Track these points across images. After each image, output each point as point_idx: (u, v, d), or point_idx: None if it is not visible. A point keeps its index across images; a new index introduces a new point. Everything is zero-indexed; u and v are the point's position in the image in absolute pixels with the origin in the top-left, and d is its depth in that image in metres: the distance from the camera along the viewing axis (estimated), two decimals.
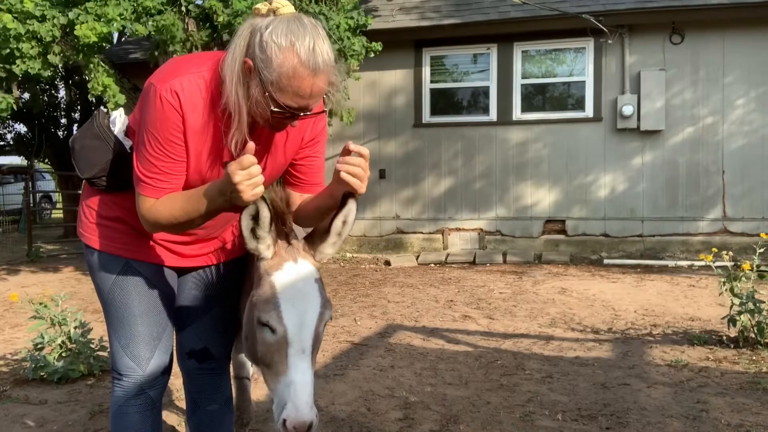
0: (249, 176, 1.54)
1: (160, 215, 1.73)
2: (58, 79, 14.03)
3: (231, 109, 1.66)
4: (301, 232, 1.88)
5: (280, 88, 1.60)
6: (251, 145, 1.57)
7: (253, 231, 1.64)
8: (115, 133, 1.91)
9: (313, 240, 1.74)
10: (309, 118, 1.75)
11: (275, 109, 1.63)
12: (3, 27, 6.09)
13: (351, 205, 1.68)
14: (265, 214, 1.62)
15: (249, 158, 1.54)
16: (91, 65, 6.79)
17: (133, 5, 6.38)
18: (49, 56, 6.48)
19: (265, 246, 1.66)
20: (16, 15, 6.20)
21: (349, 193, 1.67)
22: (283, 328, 1.56)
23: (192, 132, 1.70)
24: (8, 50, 6.24)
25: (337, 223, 1.70)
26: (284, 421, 1.49)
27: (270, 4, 1.65)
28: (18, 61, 6.29)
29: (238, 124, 1.67)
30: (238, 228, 2.07)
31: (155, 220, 1.74)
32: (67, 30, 6.42)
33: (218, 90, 1.68)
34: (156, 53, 7.14)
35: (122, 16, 6.28)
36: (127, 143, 1.89)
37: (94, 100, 13.94)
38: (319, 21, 1.68)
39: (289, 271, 1.64)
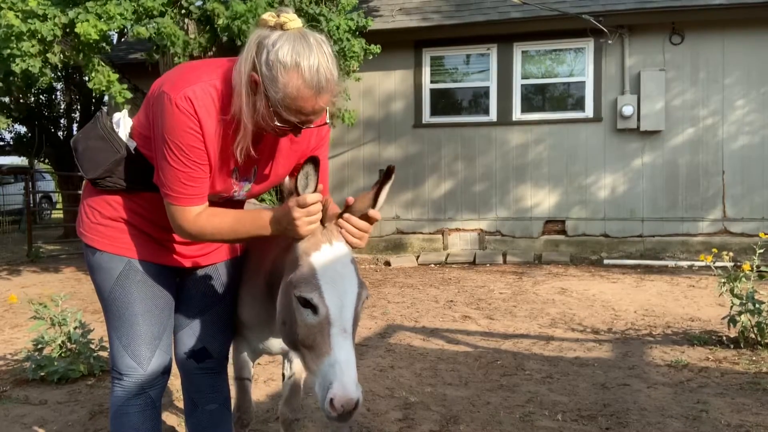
0: (308, 214, 1.64)
1: (205, 229, 1.79)
2: (56, 81, 14.02)
3: (238, 118, 1.70)
4: None
5: (285, 105, 1.65)
6: (316, 195, 1.64)
7: None
8: (120, 134, 1.92)
9: None
10: (312, 128, 1.81)
11: (279, 124, 1.69)
12: (7, 25, 6.09)
13: (389, 183, 1.73)
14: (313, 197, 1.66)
15: (312, 197, 1.63)
16: (91, 65, 6.79)
17: (133, 5, 6.38)
18: (48, 55, 6.48)
19: None
20: (17, 13, 6.20)
21: (392, 167, 1.72)
22: (325, 308, 1.59)
23: (207, 137, 1.73)
24: (9, 50, 6.24)
25: (381, 198, 1.73)
26: (331, 400, 1.50)
27: (278, 17, 1.66)
28: (17, 60, 6.29)
29: (243, 133, 1.71)
30: None
31: (199, 233, 1.80)
32: (68, 30, 6.42)
33: (228, 98, 1.71)
34: (155, 55, 7.13)
35: (123, 16, 6.28)
36: (132, 144, 1.90)
37: (94, 101, 13.96)
38: (324, 34, 1.70)
39: (326, 253, 1.67)
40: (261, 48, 1.64)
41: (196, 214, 1.78)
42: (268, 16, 1.66)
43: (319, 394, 1.57)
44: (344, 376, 1.52)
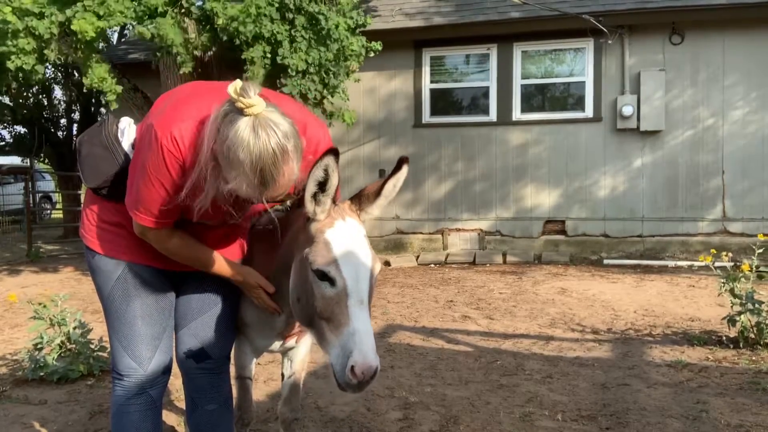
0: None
1: (170, 250, 1.91)
2: (54, 81, 14.01)
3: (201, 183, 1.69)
4: None
5: (241, 194, 1.65)
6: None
7: (315, 195, 1.71)
8: (123, 143, 1.93)
9: (360, 201, 1.82)
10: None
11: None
12: (2, 20, 6.08)
13: (404, 171, 1.76)
14: (335, 182, 1.68)
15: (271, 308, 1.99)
16: (89, 63, 6.77)
17: (134, 4, 6.37)
18: (45, 52, 6.47)
19: (322, 209, 1.73)
20: (14, 11, 6.19)
21: (404, 158, 1.75)
22: (342, 280, 1.65)
23: (189, 170, 1.72)
24: (5, 47, 6.23)
25: (389, 186, 1.78)
26: (352, 367, 1.54)
27: (240, 95, 1.56)
28: (13, 57, 6.29)
29: (204, 196, 1.71)
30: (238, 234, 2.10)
31: (165, 250, 1.91)
32: (65, 29, 6.41)
33: None
34: (159, 54, 7.12)
35: (123, 14, 6.26)
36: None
37: (93, 101, 13.94)
38: (285, 121, 1.61)
39: (340, 229, 1.72)
40: (220, 131, 1.60)
41: (167, 234, 1.85)
42: (233, 92, 1.58)
43: (336, 364, 1.60)
44: (364, 344, 1.57)
